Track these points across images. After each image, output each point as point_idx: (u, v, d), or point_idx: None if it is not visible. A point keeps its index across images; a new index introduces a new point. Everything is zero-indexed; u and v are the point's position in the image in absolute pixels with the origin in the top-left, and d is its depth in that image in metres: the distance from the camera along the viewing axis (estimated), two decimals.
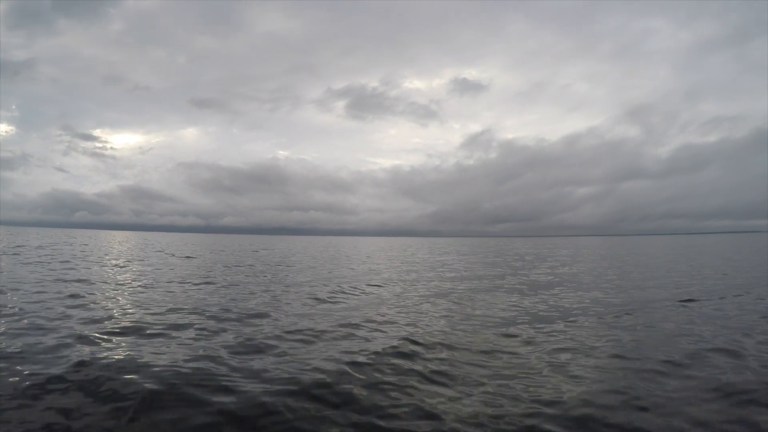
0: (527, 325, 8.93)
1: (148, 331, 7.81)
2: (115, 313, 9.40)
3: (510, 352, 7.00)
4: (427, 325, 8.87)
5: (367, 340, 7.59)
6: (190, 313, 9.53)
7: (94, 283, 14.18)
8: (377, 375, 5.77)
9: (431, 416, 4.61)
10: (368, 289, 14.40)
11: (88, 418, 4.45)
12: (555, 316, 9.93)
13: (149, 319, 8.85)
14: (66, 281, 14.33)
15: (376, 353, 6.65)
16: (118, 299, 11.23)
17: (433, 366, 6.25)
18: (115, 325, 8.16)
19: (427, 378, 5.78)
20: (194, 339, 7.42)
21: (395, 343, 7.25)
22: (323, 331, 8.10)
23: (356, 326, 8.62)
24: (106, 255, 29.40)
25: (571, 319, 9.49)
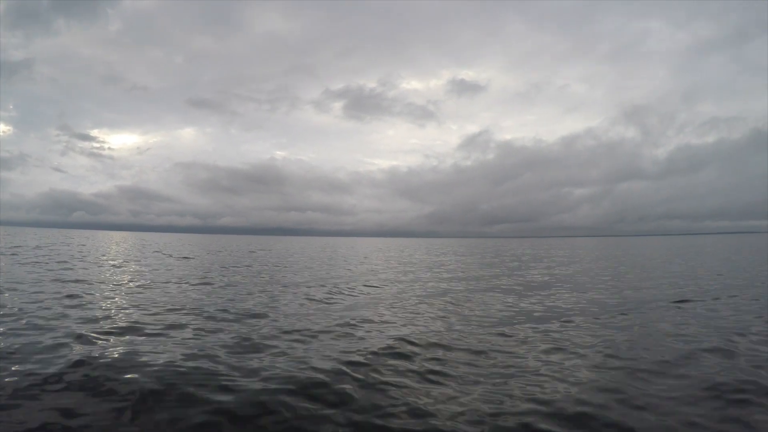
0: (523, 325, 8.98)
1: (145, 331, 7.84)
2: (113, 313, 9.43)
3: (506, 352, 7.05)
4: (424, 326, 8.91)
5: (364, 340, 7.63)
6: (188, 313, 9.56)
7: (91, 284, 14.19)
8: (374, 375, 5.81)
9: (428, 415, 4.65)
10: (365, 290, 14.44)
11: (87, 417, 4.48)
12: (551, 316, 9.99)
13: (147, 319, 8.88)
14: (64, 281, 14.34)
15: (373, 353, 6.70)
16: (116, 299, 11.25)
17: (429, 366, 6.30)
18: (113, 325, 8.19)
19: (423, 377, 5.83)
20: (192, 339, 7.45)
21: (392, 343, 7.30)
22: (321, 331, 8.15)
23: (353, 326, 8.66)
24: (104, 255, 29.36)
25: (567, 319, 9.55)
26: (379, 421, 4.52)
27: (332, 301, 12.01)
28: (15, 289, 12.12)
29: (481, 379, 5.77)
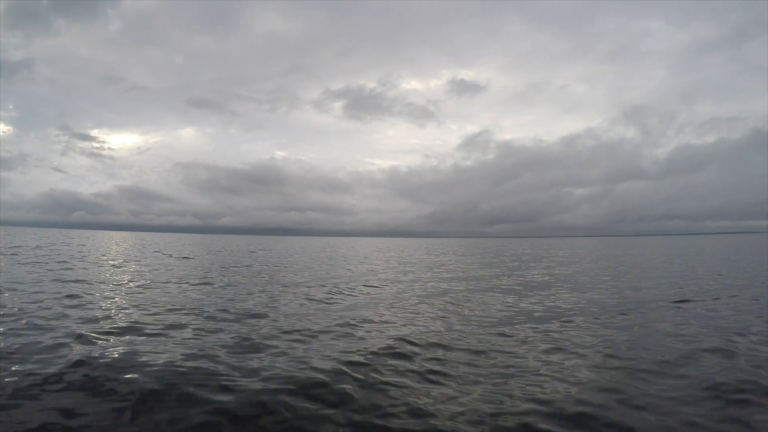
0: (523, 325, 8.98)
1: (145, 331, 7.84)
2: (113, 313, 9.43)
3: (506, 352, 7.05)
4: (424, 326, 8.92)
5: (364, 340, 7.63)
6: (188, 313, 9.56)
7: (91, 284, 14.19)
8: (374, 375, 5.81)
9: (428, 415, 4.65)
10: (365, 290, 14.44)
11: (87, 417, 4.48)
12: (551, 316, 9.99)
13: (147, 319, 8.88)
14: (64, 281, 14.34)
15: (373, 353, 6.70)
16: (116, 299, 11.25)
17: (429, 366, 6.30)
18: (113, 325, 8.20)
19: (423, 377, 5.83)
20: (192, 339, 7.45)
21: (392, 343, 7.30)
22: (321, 331, 8.15)
23: (353, 326, 8.67)
24: (104, 255, 29.36)
25: (567, 319, 9.55)
26: (379, 421, 4.52)
27: (332, 301, 12.01)
28: (15, 289, 12.12)
29: (481, 379, 5.77)
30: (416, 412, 4.72)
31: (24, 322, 8.22)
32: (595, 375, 5.89)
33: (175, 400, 4.85)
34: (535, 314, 10.26)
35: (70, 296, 11.29)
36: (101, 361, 5.96)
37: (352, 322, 9.03)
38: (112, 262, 23.38)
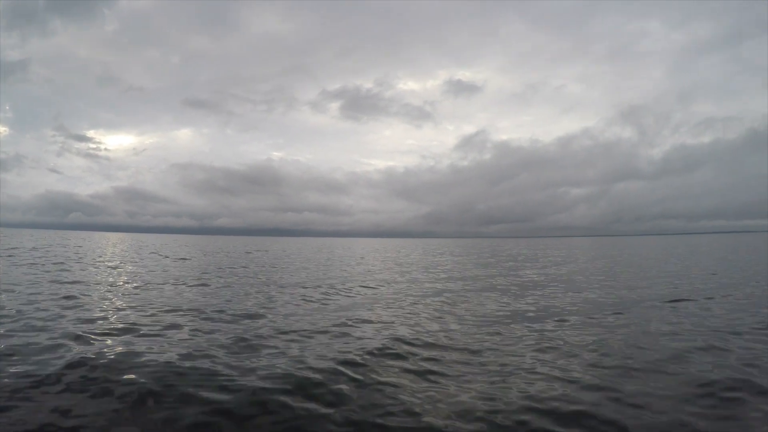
0: (519, 325, 9.04)
1: (142, 332, 7.86)
2: (110, 313, 9.44)
3: (502, 351, 7.10)
4: (421, 325, 8.96)
5: (360, 340, 7.66)
6: (185, 314, 9.58)
7: (89, 285, 14.18)
8: (371, 374, 5.85)
9: (424, 414, 4.69)
10: (362, 290, 14.48)
11: (85, 418, 4.50)
12: (546, 315, 10.05)
13: (144, 320, 8.89)
14: (61, 283, 14.33)
15: (370, 353, 6.74)
16: (113, 300, 11.26)
17: (426, 365, 6.34)
18: (110, 326, 8.21)
19: (420, 377, 5.87)
20: (189, 339, 7.48)
21: (389, 342, 7.34)
22: (317, 332, 8.18)
23: (350, 326, 8.70)
24: (101, 257, 29.29)
25: (562, 318, 9.61)
26: (375, 420, 4.56)
27: (329, 301, 12.04)
28: (12, 291, 12.11)
29: (477, 378, 5.82)
30: (413, 411, 4.76)
31: (21, 323, 8.22)
32: (589, 374, 5.95)
33: (173, 400, 4.87)
34: (531, 314, 10.32)
35: (67, 297, 11.29)
36: (99, 361, 5.98)
37: (349, 322, 9.07)
38: (109, 264, 23.33)
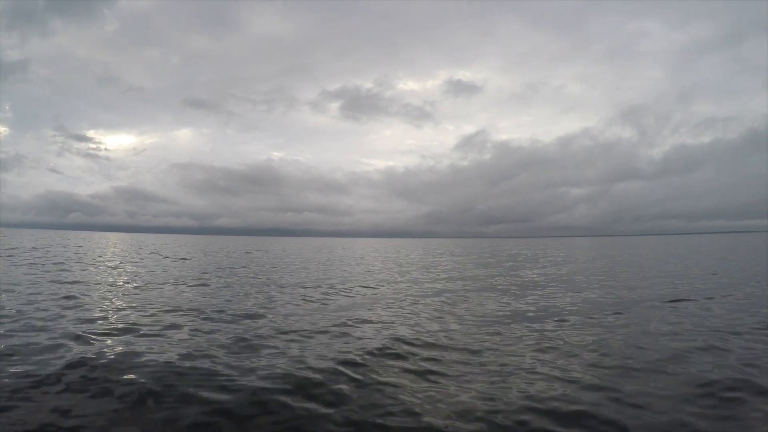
0: (519, 325, 9.04)
1: (142, 332, 7.86)
2: (110, 313, 9.44)
3: (502, 351, 7.10)
4: (421, 325, 8.96)
5: (360, 340, 7.67)
6: (185, 314, 9.58)
7: (89, 285, 14.18)
8: (371, 374, 5.85)
9: (424, 414, 4.69)
10: (362, 290, 14.48)
11: (85, 418, 4.50)
12: (546, 315, 10.05)
13: (144, 320, 8.90)
14: (61, 283, 14.33)
15: (370, 353, 6.74)
16: (113, 300, 11.26)
17: (426, 365, 6.34)
18: (110, 326, 8.21)
19: (420, 377, 5.87)
20: (189, 339, 7.48)
21: (389, 342, 7.34)
22: (317, 332, 8.18)
23: (350, 326, 8.71)
24: (101, 257, 29.29)
25: (562, 318, 9.61)
26: (375, 420, 4.56)
27: (329, 301, 12.05)
28: (12, 291, 12.11)
29: (477, 378, 5.82)
30: (413, 411, 4.76)
31: (22, 323, 8.23)
32: (589, 374, 5.95)
33: (173, 400, 4.87)
34: (531, 314, 10.32)
35: (67, 297, 11.29)
36: (99, 361, 5.98)
37: (349, 322, 9.07)
38: (109, 264, 23.34)
